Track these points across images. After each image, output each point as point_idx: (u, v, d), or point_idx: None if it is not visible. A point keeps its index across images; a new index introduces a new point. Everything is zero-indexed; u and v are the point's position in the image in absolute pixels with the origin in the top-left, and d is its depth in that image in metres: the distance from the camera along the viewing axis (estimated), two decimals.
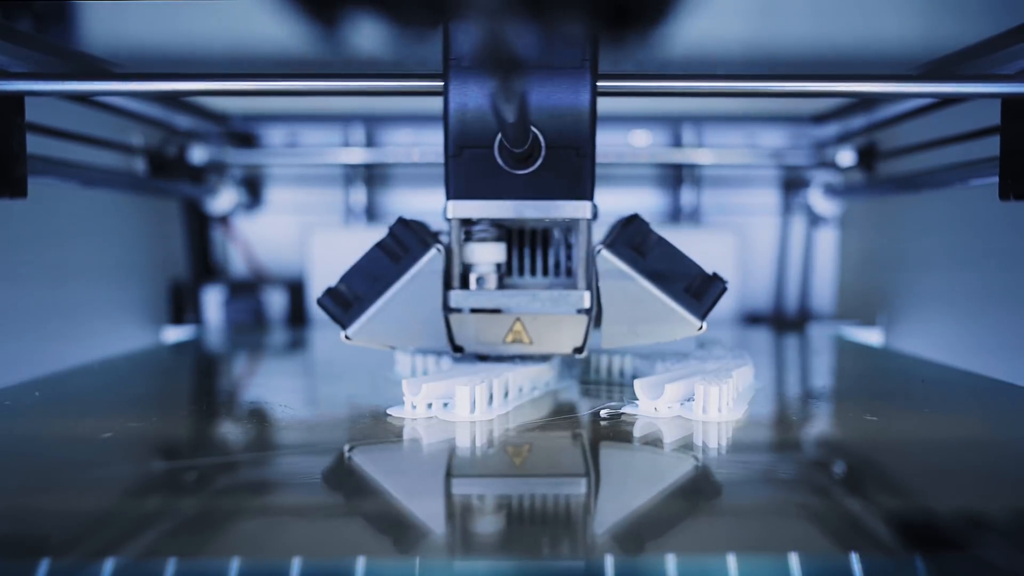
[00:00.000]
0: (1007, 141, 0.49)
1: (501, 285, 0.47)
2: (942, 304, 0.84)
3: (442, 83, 0.44)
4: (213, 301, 0.95)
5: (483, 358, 0.51)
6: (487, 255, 0.47)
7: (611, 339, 0.47)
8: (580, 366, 0.56)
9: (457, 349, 0.48)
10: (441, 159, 0.82)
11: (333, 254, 0.96)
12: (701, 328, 0.46)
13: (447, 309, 0.46)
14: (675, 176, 1.01)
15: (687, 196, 1.00)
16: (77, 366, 0.61)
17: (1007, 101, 0.48)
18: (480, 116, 0.44)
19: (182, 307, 0.95)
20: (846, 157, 0.90)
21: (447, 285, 0.46)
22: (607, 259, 0.45)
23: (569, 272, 0.48)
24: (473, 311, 0.47)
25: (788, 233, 1.01)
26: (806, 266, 1.00)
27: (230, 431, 0.44)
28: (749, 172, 1.00)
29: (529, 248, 0.48)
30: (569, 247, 0.48)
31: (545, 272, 0.48)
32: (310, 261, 0.96)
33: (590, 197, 0.45)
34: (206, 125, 0.92)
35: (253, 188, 1.00)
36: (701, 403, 0.43)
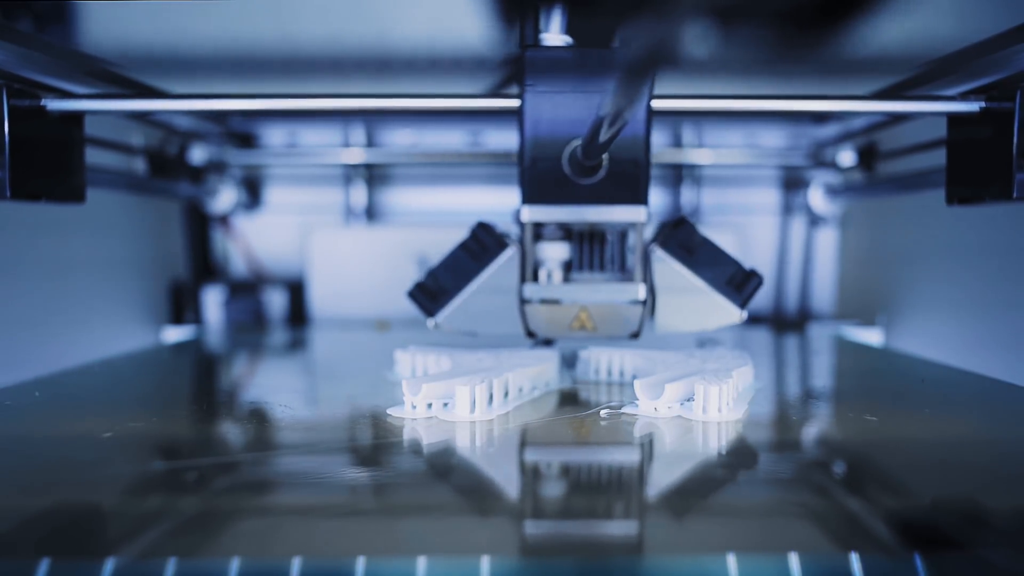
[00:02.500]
0: (951, 153, 0.54)
1: (566, 279, 0.53)
2: (942, 304, 0.84)
3: (518, 101, 0.50)
4: (213, 301, 0.95)
5: (548, 342, 0.58)
6: (555, 253, 0.53)
7: (663, 325, 0.53)
8: (580, 366, 0.56)
9: (530, 335, 0.54)
10: (441, 159, 0.85)
11: (333, 254, 0.96)
12: (742, 316, 0.53)
13: (522, 300, 0.52)
14: (675, 175, 1.01)
15: (687, 195, 1.00)
16: (77, 366, 0.61)
17: (951, 118, 0.53)
18: (551, 132, 0.50)
19: (182, 307, 0.95)
20: (846, 157, 0.90)
21: (521, 279, 0.53)
22: (661, 257, 0.53)
23: (623, 267, 0.54)
24: (543, 301, 0.52)
25: (788, 233, 1.01)
26: (806, 266, 1.00)
27: (230, 431, 0.44)
28: (749, 172, 1.00)
29: (589, 246, 0.54)
30: (624, 245, 0.54)
31: (603, 267, 0.54)
32: (310, 261, 0.96)
33: (646, 202, 0.51)
34: (206, 125, 0.91)
35: (253, 188, 1.00)
36: (701, 403, 0.43)
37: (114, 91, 0.56)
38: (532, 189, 0.51)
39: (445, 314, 0.53)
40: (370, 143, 0.98)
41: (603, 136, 0.40)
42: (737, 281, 0.53)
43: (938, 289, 0.84)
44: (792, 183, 1.00)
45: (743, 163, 0.97)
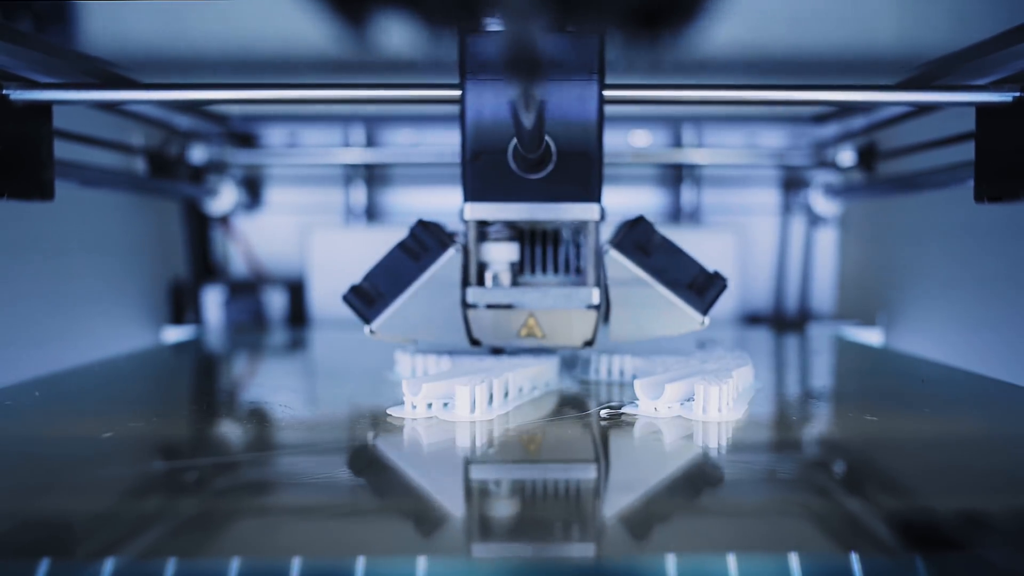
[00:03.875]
0: (981, 147, 0.51)
1: (514, 282, 0.50)
2: (942, 303, 0.84)
3: (459, 91, 0.46)
4: (213, 301, 0.95)
5: (498, 351, 0.54)
6: (502, 254, 0.49)
7: (619, 333, 0.50)
8: (580, 366, 0.56)
9: (474, 342, 0.50)
10: (441, 159, 0.83)
11: (333, 254, 0.96)
12: (704, 323, 0.49)
13: (465, 305, 0.49)
14: (675, 176, 1.01)
15: (687, 196, 1.00)
16: (77, 366, 0.61)
17: (981, 109, 0.50)
18: (495, 123, 0.46)
19: (182, 307, 0.95)
20: (846, 157, 0.90)
21: (465, 282, 0.49)
22: (615, 258, 0.48)
23: (578, 270, 0.50)
24: (489, 307, 0.49)
25: (788, 233, 1.01)
26: (806, 266, 1.00)
27: (230, 431, 0.44)
28: (749, 172, 1.00)
29: (540, 247, 0.50)
30: (578, 246, 0.50)
31: (556, 270, 0.50)
32: (310, 261, 0.96)
33: (598, 200, 0.48)
34: (206, 125, 0.92)
35: (253, 188, 1.00)
36: (701, 403, 0.43)
37: (84, 80, 0.52)
38: (475, 185, 0.47)
39: (381, 320, 0.49)
40: (370, 143, 0.98)
41: (526, 122, 0.37)
42: (699, 284, 0.49)
43: (938, 289, 0.84)
44: (792, 183, 1.00)
45: (743, 163, 0.97)
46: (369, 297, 0.50)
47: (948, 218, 0.81)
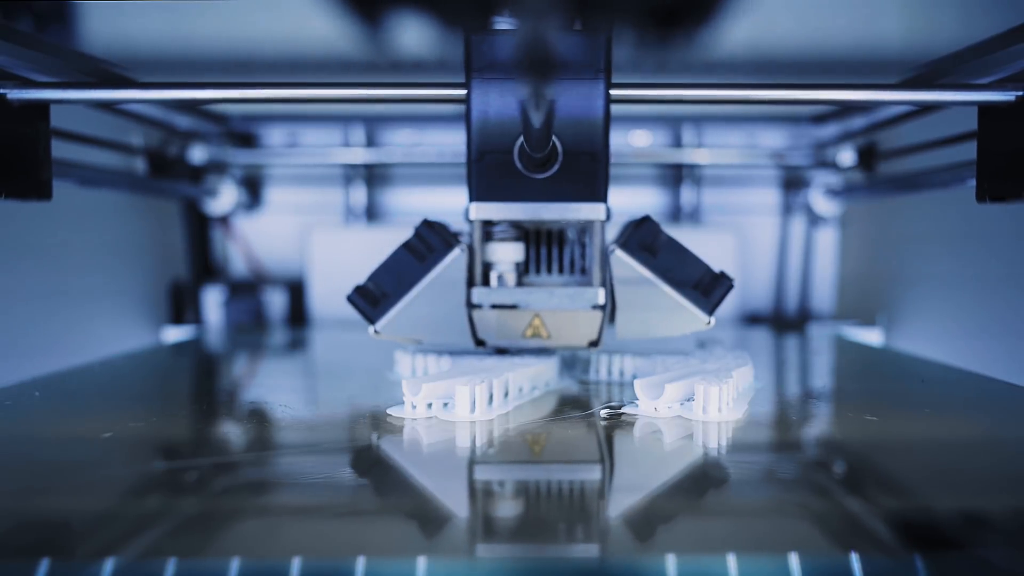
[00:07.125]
0: (983, 146, 0.51)
1: (520, 282, 0.50)
2: (942, 304, 0.84)
3: (464, 91, 0.46)
4: (213, 301, 0.95)
5: (502, 351, 0.53)
6: (507, 254, 0.49)
7: (624, 333, 0.49)
8: (580, 366, 0.56)
9: (479, 343, 0.50)
10: (442, 159, 0.83)
11: (333, 254, 0.96)
12: (709, 323, 0.48)
13: (470, 305, 0.49)
14: (675, 176, 1.01)
15: (687, 196, 1.00)
16: (77, 366, 0.61)
17: (983, 108, 0.50)
18: (500, 123, 0.46)
19: (182, 307, 0.95)
20: (846, 157, 0.90)
21: (470, 283, 0.49)
22: (620, 258, 0.48)
23: (583, 270, 0.50)
24: (494, 307, 0.49)
25: (788, 233, 1.01)
26: (806, 266, 1.00)
27: (230, 431, 0.44)
28: (749, 172, 1.00)
29: (546, 247, 0.50)
30: (583, 246, 0.50)
31: (561, 270, 0.50)
32: (310, 261, 0.96)
33: (604, 199, 0.48)
34: (206, 125, 0.92)
35: (253, 188, 1.00)
36: (701, 403, 0.43)
37: (81, 79, 0.52)
38: (481, 185, 0.47)
39: (385, 321, 0.49)
40: (370, 143, 0.98)
41: (536, 121, 0.37)
42: (705, 284, 0.49)
43: (938, 289, 0.84)
44: (792, 183, 1.00)
45: (743, 163, 0.97)
46: (374, 297, 0.49)
47: (948, 218, 0.81)
